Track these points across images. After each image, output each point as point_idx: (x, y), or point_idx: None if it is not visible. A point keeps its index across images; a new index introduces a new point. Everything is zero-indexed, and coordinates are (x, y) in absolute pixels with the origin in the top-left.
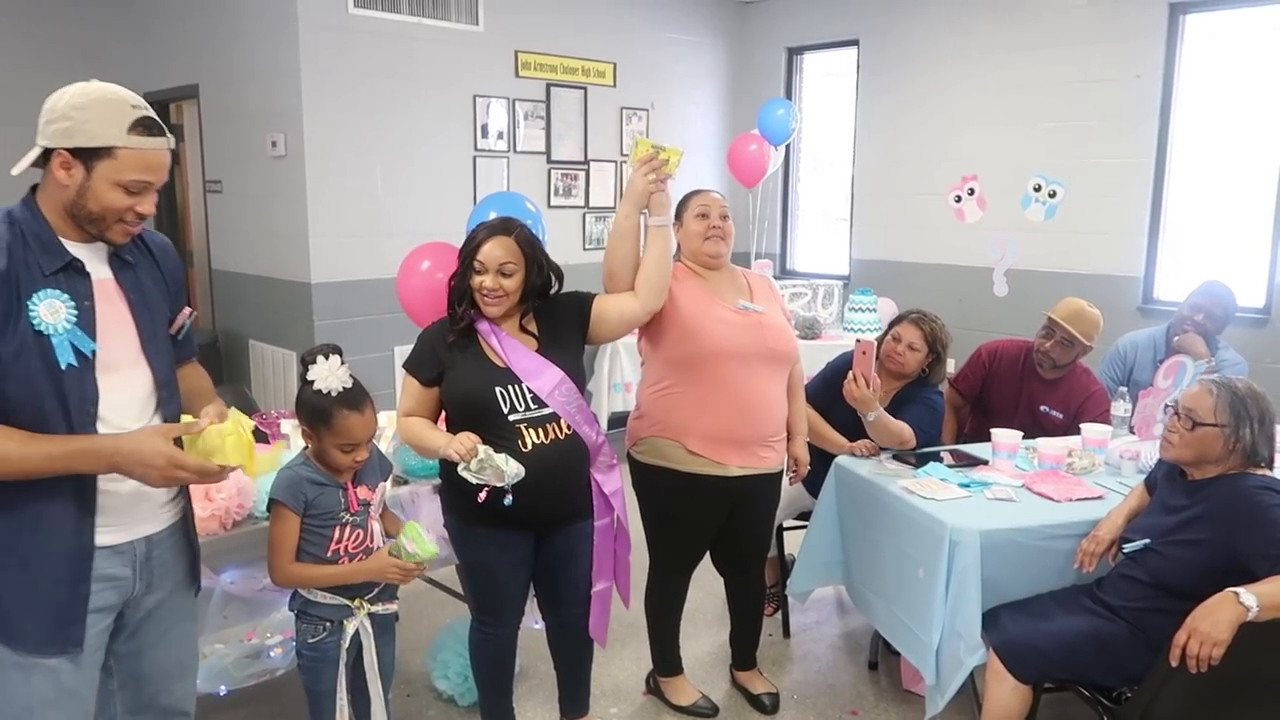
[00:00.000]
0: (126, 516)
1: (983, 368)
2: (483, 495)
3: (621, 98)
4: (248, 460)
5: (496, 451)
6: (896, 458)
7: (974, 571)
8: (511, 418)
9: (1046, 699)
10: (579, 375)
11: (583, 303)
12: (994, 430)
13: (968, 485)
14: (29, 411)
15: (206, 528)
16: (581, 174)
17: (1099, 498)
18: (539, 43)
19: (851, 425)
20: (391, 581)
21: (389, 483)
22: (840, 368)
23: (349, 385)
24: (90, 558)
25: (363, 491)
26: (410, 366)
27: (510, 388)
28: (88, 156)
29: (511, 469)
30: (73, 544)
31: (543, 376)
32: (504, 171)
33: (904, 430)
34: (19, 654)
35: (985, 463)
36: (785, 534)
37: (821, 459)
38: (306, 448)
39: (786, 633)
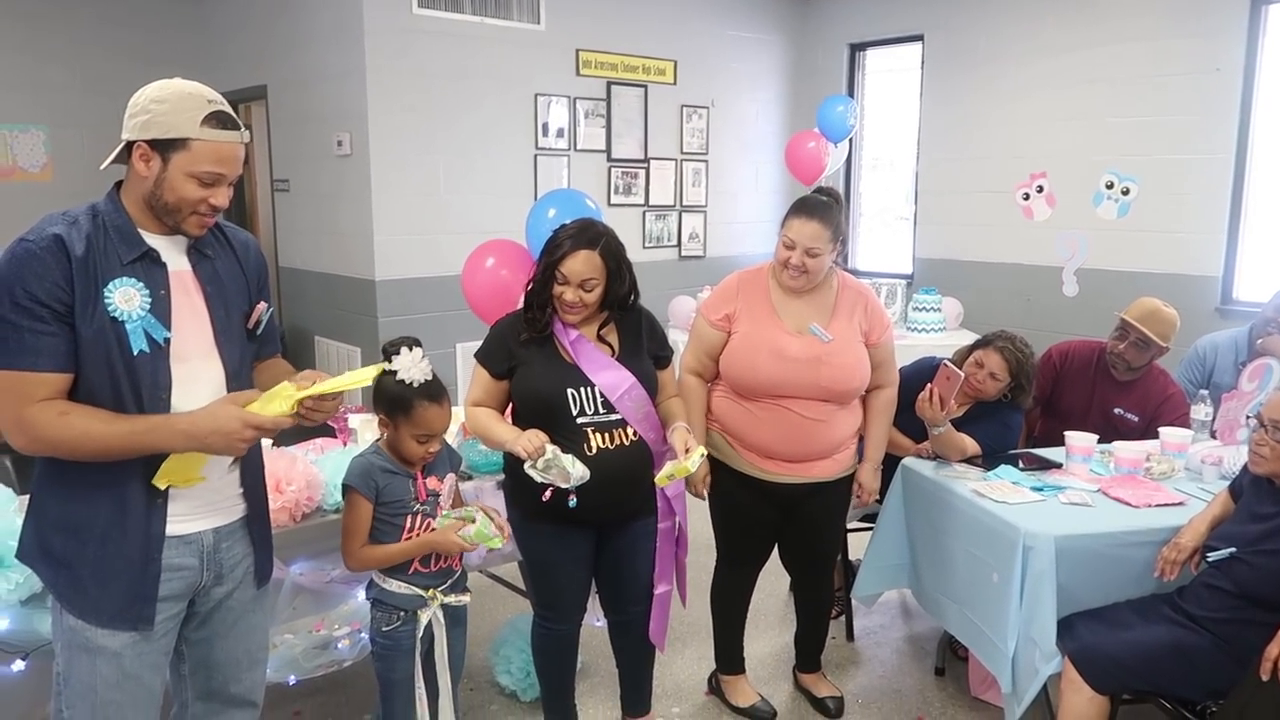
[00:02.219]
0: (194, 507)
1: (1053, 369)
2: (547, 495)
3: (682, 95)
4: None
5: (564, 452)
6: (967, 460)
7: (1049, 578)
8: (579, 420)
9: (1124, 711)
10: (650, 384)
11: (660, 359)
12: (1068, 434)
13: (1041, 489)
14: (107, 395)
15: (276, 520)
16: (641, 172)
17: (1179, 504)
18: (600, 41)
19: (920, 432)
20: (451, 551)
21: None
22: (913, 377)
23: (429, 378)
24: (160, 543)
25: (432, 482)
26: (481, 357)
27: (581, 390)
28: (164, 148)
29: (577, 471)
30: (144, 527)
31: (614, 379)
32: (564, 170)
33: (967, 445)
34: (92, 629)
35: (1058, 466)
36: (850, 536)
37: (887, 461)
38: (379, 438)
39: (850, 636)
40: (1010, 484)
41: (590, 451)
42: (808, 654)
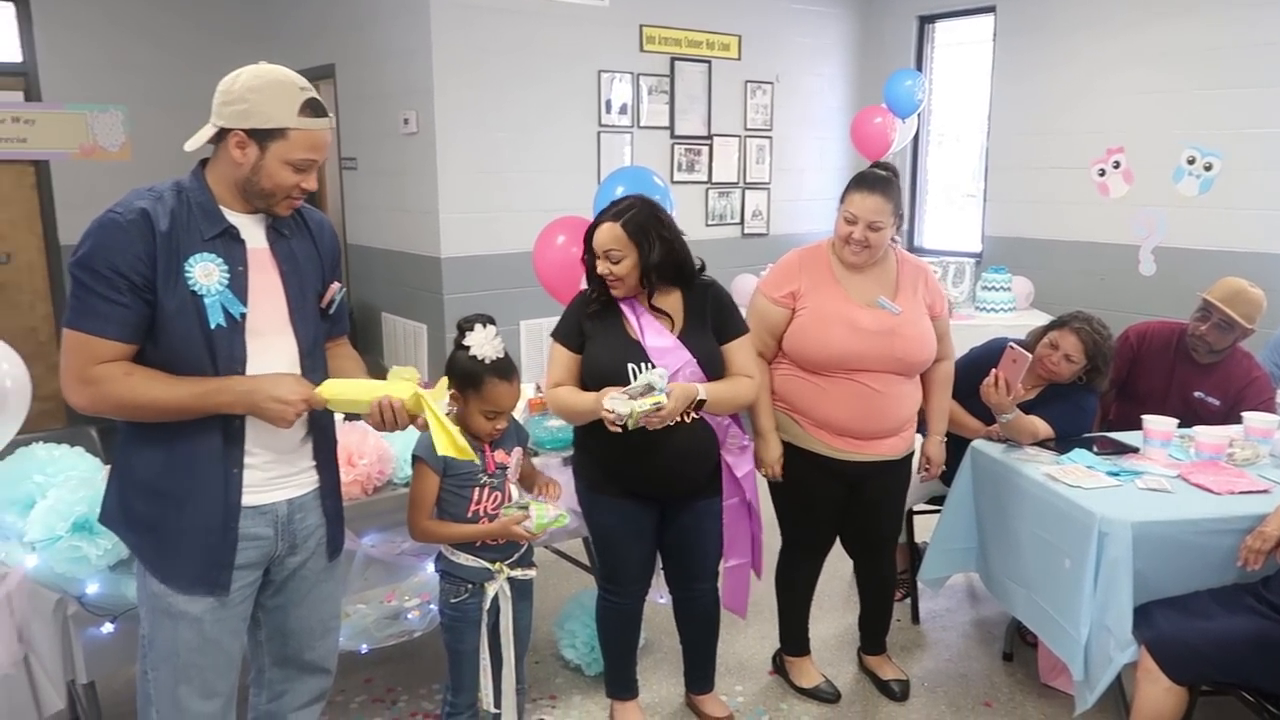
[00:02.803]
0: (269, 479)
1: (1130, 350)
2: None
3: (746, 71)
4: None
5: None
6: (1037, 443)
7: (1125, 565)
8: None
9: (1203, 703)
10: (713, 364)
11: (726, 334)
12: (1146, 418)
13: (1117, 474)
14: (187, 366)
15: (349, 492)
16: (705, 149)
17: (1264, 491)
18: (664, 16)
19: (989, 413)
20: (512, 536)
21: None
22: (980, 358)
23: (501, 355)
24: (237, 512)
25: (500, 455)
26: (558, 335)
27: (642, 365)
28: (262, 137)
29: (655, 378)
30: (222, 497)
31: (672, 358)
32: (627, 147)
33: (1038, 429)
34: (172, 593)
35: (1135, 450)
36: (915, 519)
37: (956, 443)
38: (449, 412)
39: (916, 619)
40: (1085, 468)
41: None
42: (872, 636)
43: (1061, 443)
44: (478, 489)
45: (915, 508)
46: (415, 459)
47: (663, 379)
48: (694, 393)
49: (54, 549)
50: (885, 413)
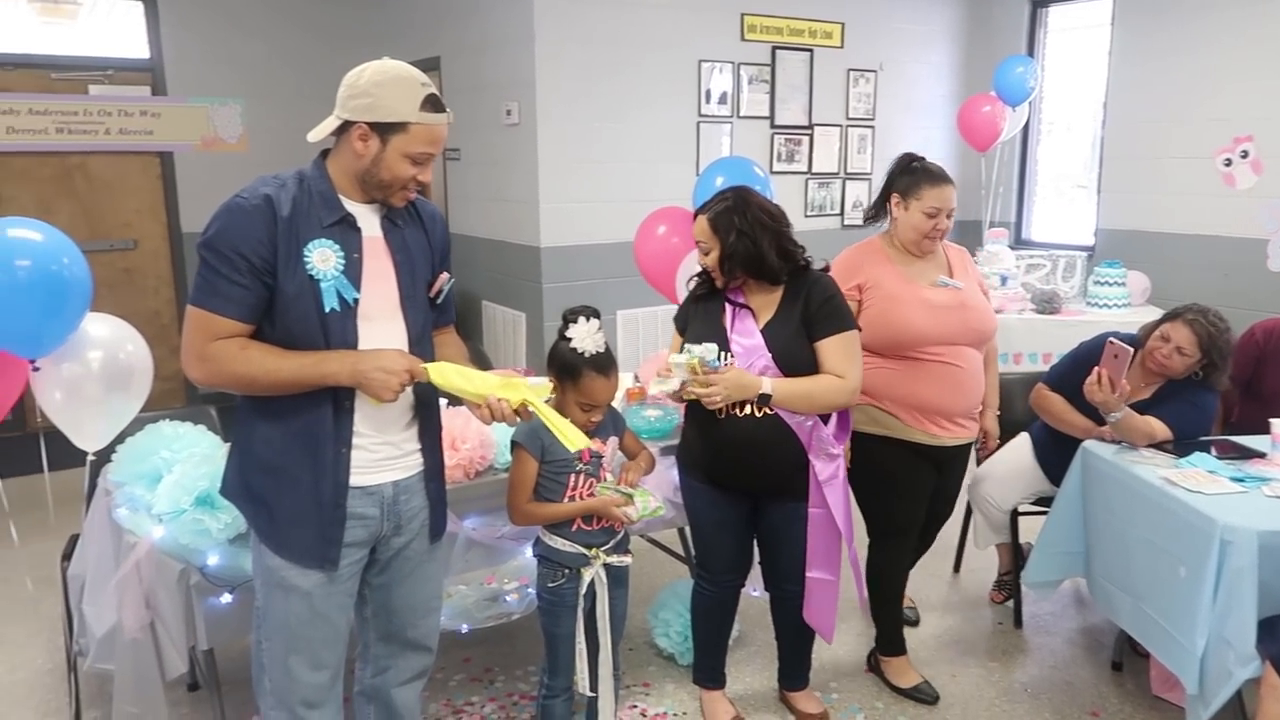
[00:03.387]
0: (376, 461)
1: (1255, 347)
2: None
3: (849, 59)
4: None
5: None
6: (1156, 445)
7: (1250, 575)
8: None
9: None
10: (794, 361)
11: (819, 330)
12: (1274, 420)
13: (1241, 480)
14: (303, 348)
15: (451, 476)
16: (805, 139)
17: None
18: (765, 5)
19: (1097, 413)
20: (610, 515)
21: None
22: (1090, 353)
23: (601, 350)
24: (345, 491)
25: (595, 444)
26: (675, 319)
27: (726, 356)
28: (384, 130)
29: (702, 351)
30: (332, 476)
31: (747, 348)
32: (726, 137)
33: (1154, 430)
34: (286, 566)
35: (1262, 455)
36: (1020, 520)
37: (1065, 444)
38: (548, 399)
39: (1019, 623)
40: (1205, 473)
41: (721, 415)
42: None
43: (1180, 445)
44: (573, 475)
45: (1021, 509)
46: (514, 445)
47: (710, 352)
48: (754, 385)
49: (178, 521)
50: (969, 387)
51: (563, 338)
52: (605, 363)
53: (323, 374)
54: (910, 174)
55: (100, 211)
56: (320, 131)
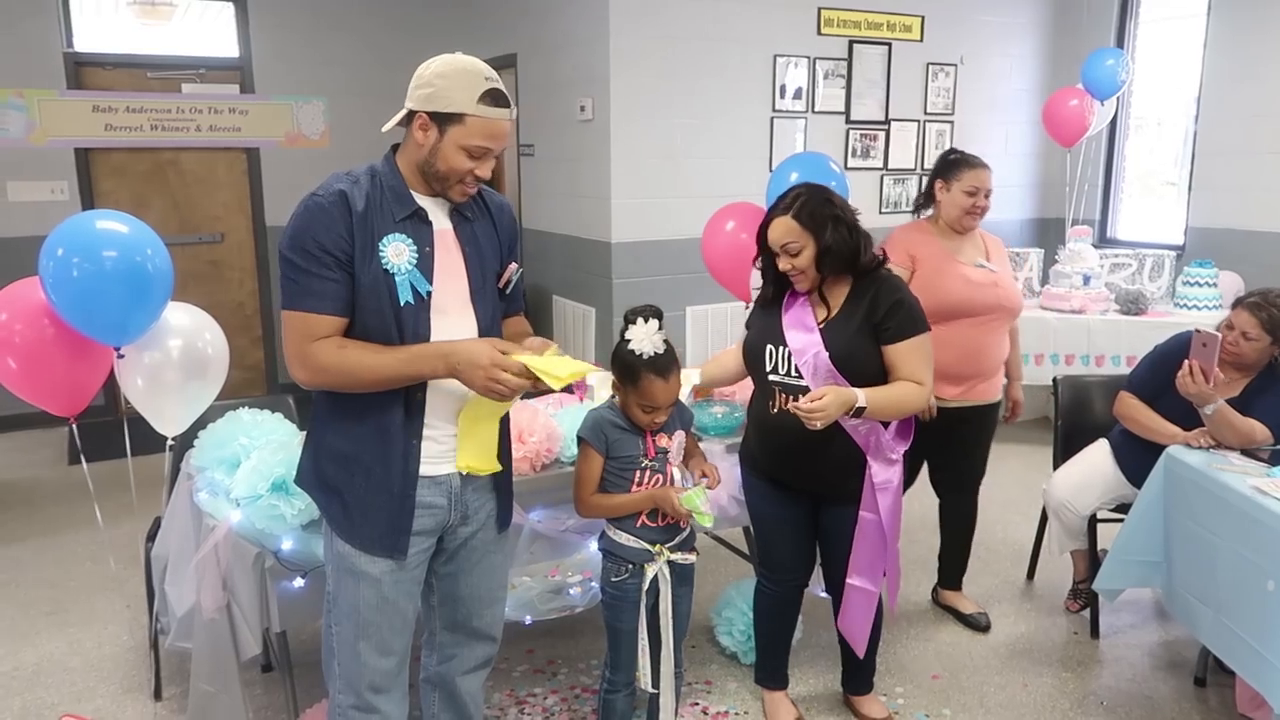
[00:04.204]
0: (444, 452)
1: None
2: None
3: (928, 53)
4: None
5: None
6: (1246, 453)
7: None
8: (771, 377)
9: None
10: (854, 361)
11: (886, 332)
12: None
13: None
14: (378, 340)
15: (517, 469)
16: (881, 134)
17: None
18: None
19: (1184, 415)
20: (668, 509)
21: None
22: (1169, 353)
23: (661, 351)
24: (415, 481)
25: (660, 439)
26: (746, 324)
27: (780, 348)
28: (442, 121)
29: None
30: (402, 466)
31: (801, 343)
32: (800, 133)
33: (1254, 429)
34: (356, 553)
35: None
36: (1099, 525)
37: (1150, 448)
38: (613, 396)
39: (1095, 633)
40: None
41: (773, 410)
42: (950, 572)
43: (1273, 455)
44: (639, 471)
45: (1099, 515)
46: (580, 440)
47: (699, 495)
48: (851, 398)
49: (255, 506)
50: (987, 353)
51: (623, 339)
52: (664, 364)
53: (418, 368)
54: (951, 162)
55: (190, 206)
56: (391, 122)
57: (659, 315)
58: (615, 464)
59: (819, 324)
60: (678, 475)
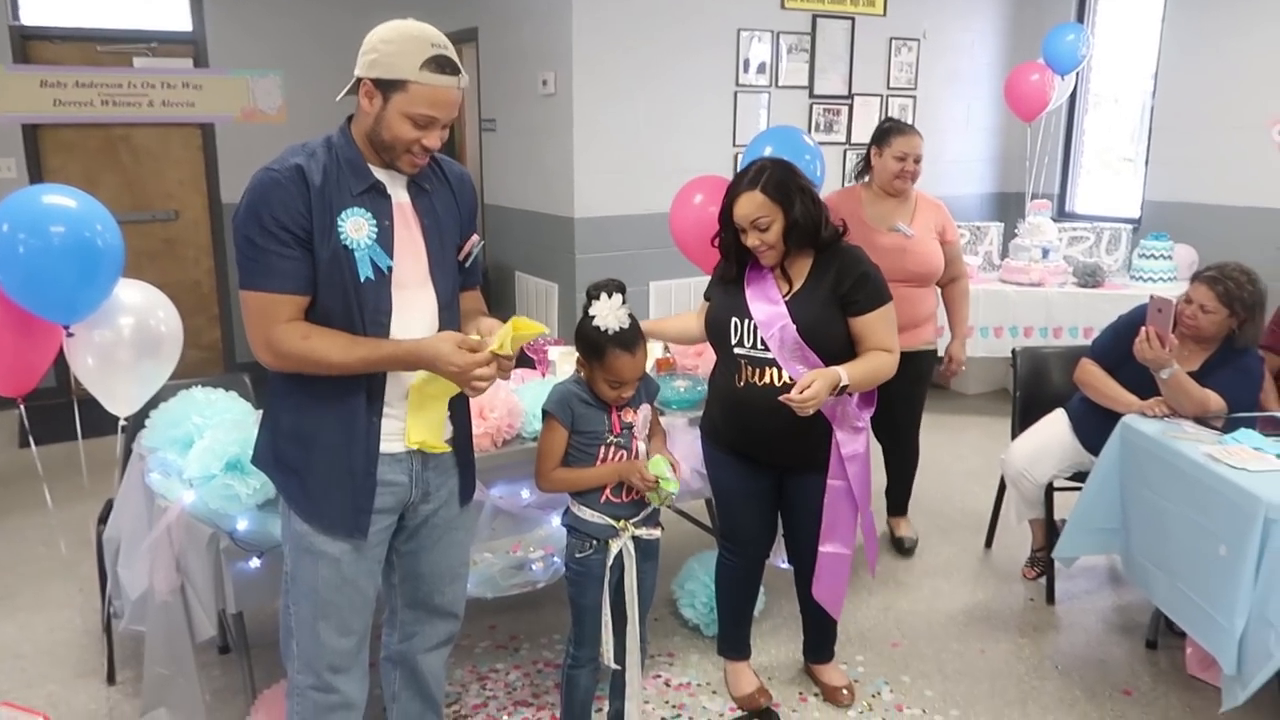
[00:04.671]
0: (405, 427)
1: None
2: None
3: (891, 27)
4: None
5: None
6: (1199, 422)
7: None
8: (736, 350)
9: None
10: (819, 334)
11: (852, 306)
12: None
13: None
14: (337, 317)
15: (479, 445)
16: (844, 109)
17: None
18: None
19: (1143, 386)
20: (632, 483)
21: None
22: (1133, 322)
23: (626, 326)
24: (376, 459)
25: (626, 414)
26: (706, 294)
27: (745, 321)
28: (386, 88)
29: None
30: (363, 445)
31: (767, 315)
32: (764, 108)
33: (1208, 397)
34: (314, 533)
35: None
36: (1055, 495)
37: (1107, 417)
38: (579, 371)
39: (1051, 599)
40: (1251, 449)
41: (739, 383)
42: (895, 503)
43: (1227, 423)
44: (604, 447)
45: (1056, 484)
46: (545, 413)
47: (660, 466)
48: (836, 378)
49: (209, 486)
50: (903, 310)
51: (586, 315)
52: (629, 339)
53: (384, 362)
54: (884, 130)
55: (143, 183)
56: (343, 91)
57: (622, 289)
58: (580, 439)
59: (787, 298)
60: (643, 449)
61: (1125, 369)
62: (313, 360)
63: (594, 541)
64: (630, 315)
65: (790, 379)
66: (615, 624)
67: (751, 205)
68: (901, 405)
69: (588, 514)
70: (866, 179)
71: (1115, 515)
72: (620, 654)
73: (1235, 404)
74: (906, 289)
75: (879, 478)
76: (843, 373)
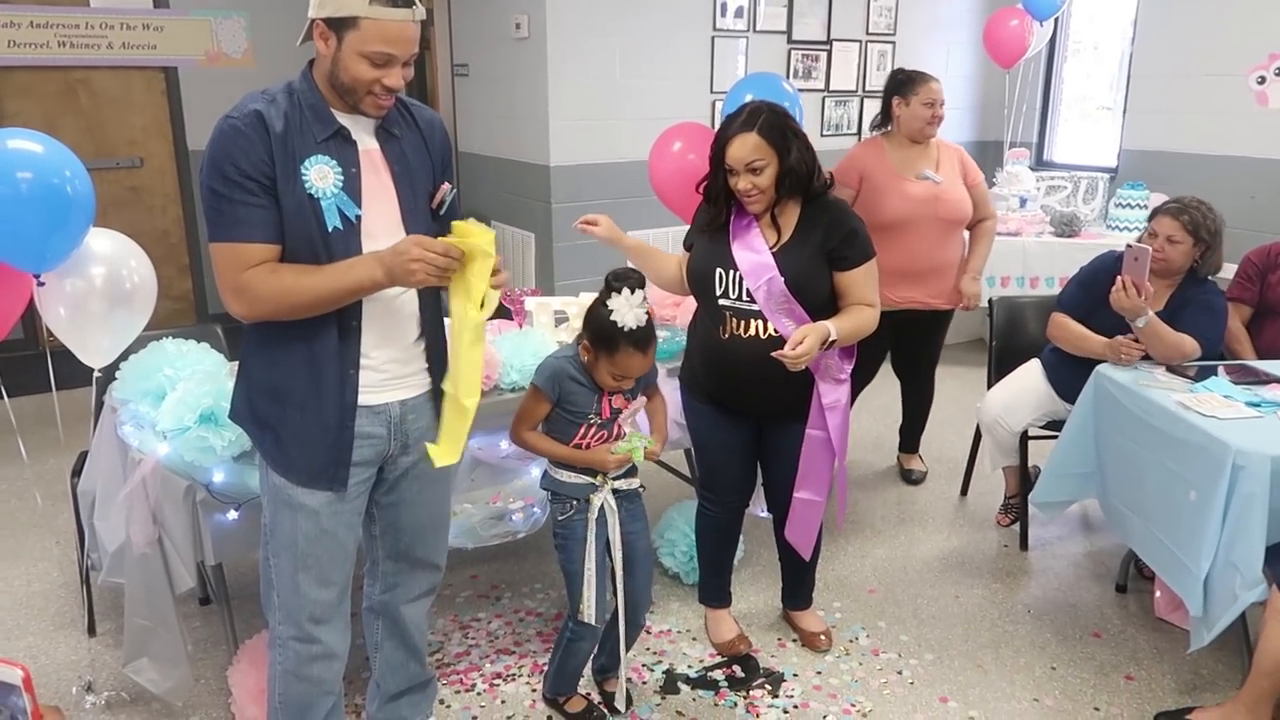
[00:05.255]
0: (383, 380)
1: (1253, 268)
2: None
3: None
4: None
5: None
6: (1171, 370)
7: (1261, 501)
8: (720, 301)
9: None
10: (808, 287)
11: (840, 259)
12: None
13: (1258, 405)
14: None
15: None
16: (823, 55)
17: None
18: None
19: (1114, 331)
20: (602, 467)
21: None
22: (1099, 270)
23: (642, 324)
24: (353, 411)
25: (617, 400)
26: (686, 243)
27: (730, 272)
28: (338, 27)
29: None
30: (338, 397)
31: (753, 266)
32: (742, 54)
33: (1183, 341)
34: (294, 487)
35: (1278, 380)
36: (1030, 444)
37: (1080, 366)
38: (581, 341)
39: (1024, 545)
40: (1221, 397)
41: (724, 335)
42: (908, 440)
43: (1199, 371)
44: (586, 426)
45: (1030, 432)
46: (533, 385)
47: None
48: (825, 333)
49: (183, 439)
50: (928, 255)
51: (603, 304)
52: (644, 338)
53: (354, 279)
54: (905, 80)
55: (105, 129)
56: (300, 37)
57: (642, 285)
58: (565, 412)
59: (772, 248)
60: (628, 432)
61: (1095, 318)
62: (282, 292)
63: (574, 501)
64: (647, 313)
65: (775, 331)
66: (598, 581)
67: (746, 147)
68: (925, 349)
69: (565, 475)
70: (889, 128)
71: (1090, 460)
72: (601, 612)
73: (1206, 342)
74: (938, 235)
75: (894, 417)
76: (831, 328)
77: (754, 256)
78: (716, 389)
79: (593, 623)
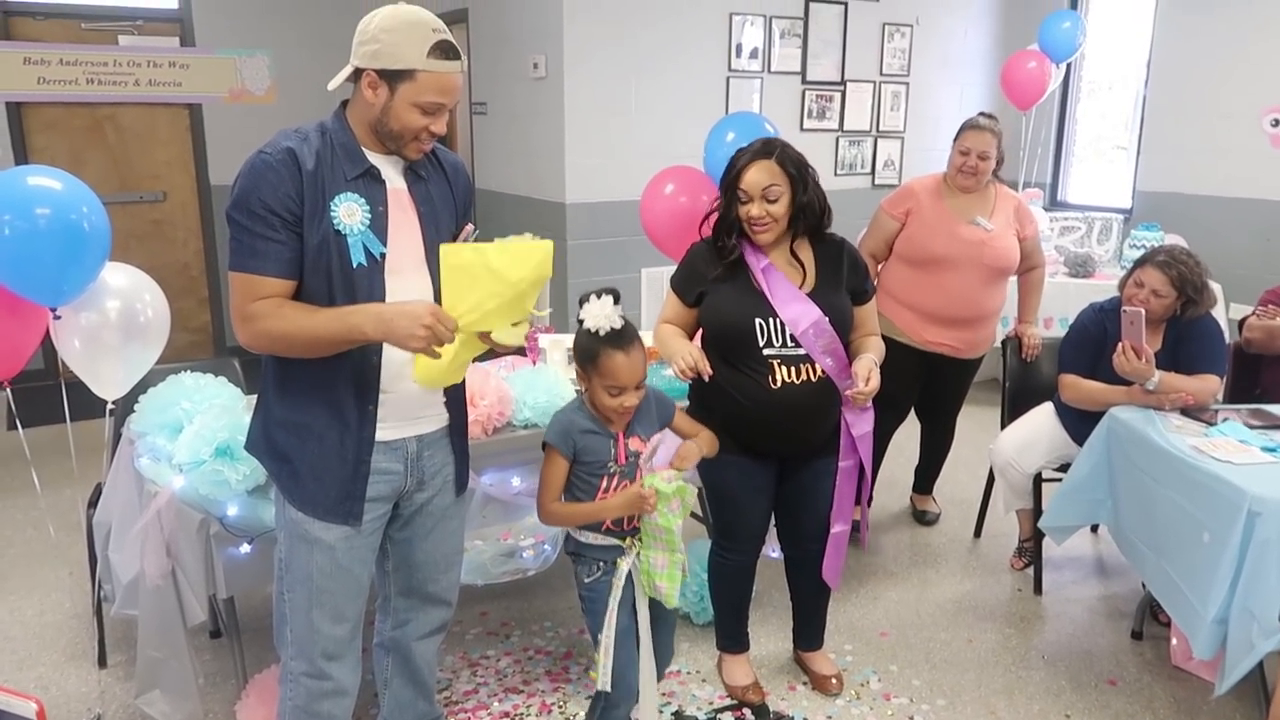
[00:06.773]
0: (401, 416)
1: (1275, 296)
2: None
3: (885, 13)
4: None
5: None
6: (1186, 413)
7: (1277, 548)
8: (766, 351)
9: None
10: (844, 322)
11: (859, 294)
12: None
13: (1274, 450)
14: (325, 304)
15: (470, 432)
16: (837, 95)
17: None
18: None
19: (1123, 380)
20: (637, 511)
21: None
22: (1084, 329)
23: (618, 326)
24: (370, 447)
25: (634, 443)
26: (675, 283)
27: (770, 320)
28: (392, 78)
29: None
30: (356, 432)
31: (798, 313)
32: (756, 93)
33: (1206, 381)
34: (309, 520)
35: None
36: (1044, 485)
37: (1092, 411)
38: (581, 391)
39: (1038, 589)
40: (1236, 442)
41: (775, 384)
42: (923, 482)
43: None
44: (606, 478)
45: (1044, 475)
46: (545, 445)
47: (675, 481)
48: (873, 364)
49: (198, 472)
50: (970, 300)
51: (579, 322)
52: (621, 337)
53: (350, 326)
54: (962, 124)
55: (130, 163)
56: (337, 80)
57: (614, 294)
58: (582, 469)
59: (809, 291)
60: (647, 472)
61: (1101, 370)
62: (284, 328)
63: (601, 564)
64: (623, 317)
65: (824, 372)
66: (626, 643)
67: (765, 173)
68: (950, 393)
69: (590, 538)
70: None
71: (1102, 487)
72: (624, 677)
73: (1218, 369)
74: (979, 281)
75: (907, 457)
76: (874, 359)
77: (797, 302)
78: (762, 438)
79: (605, 689)
